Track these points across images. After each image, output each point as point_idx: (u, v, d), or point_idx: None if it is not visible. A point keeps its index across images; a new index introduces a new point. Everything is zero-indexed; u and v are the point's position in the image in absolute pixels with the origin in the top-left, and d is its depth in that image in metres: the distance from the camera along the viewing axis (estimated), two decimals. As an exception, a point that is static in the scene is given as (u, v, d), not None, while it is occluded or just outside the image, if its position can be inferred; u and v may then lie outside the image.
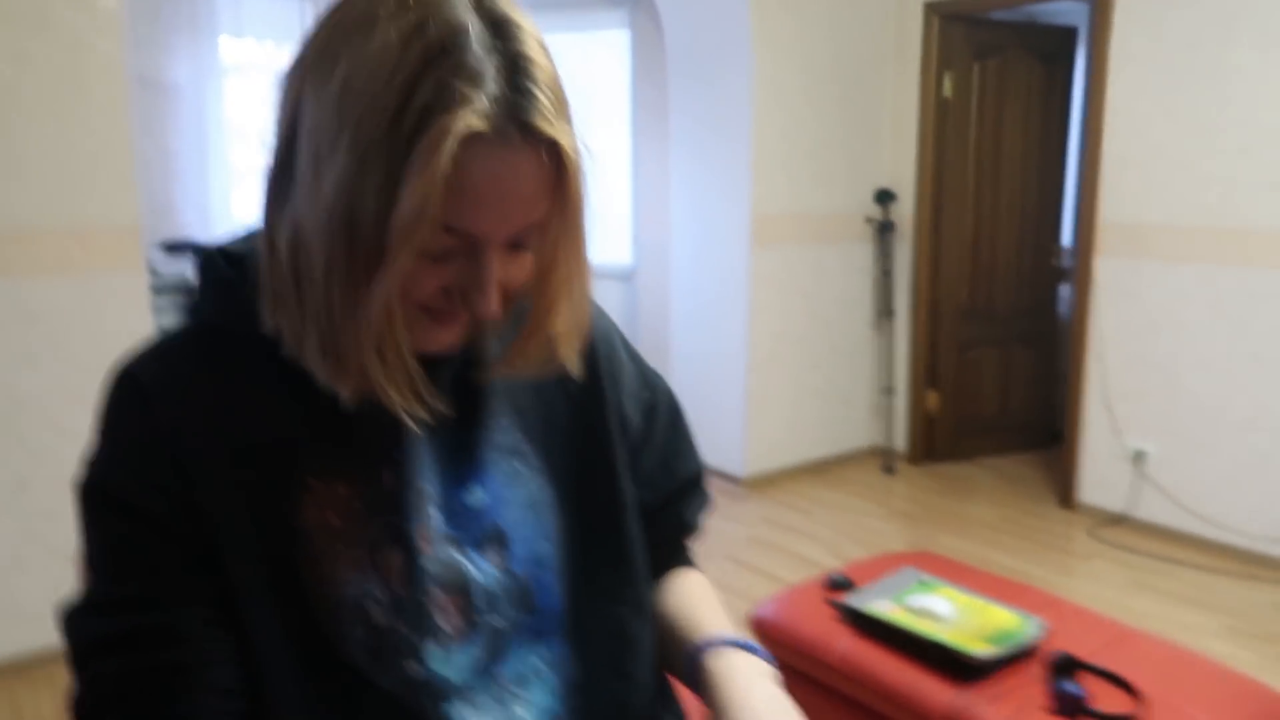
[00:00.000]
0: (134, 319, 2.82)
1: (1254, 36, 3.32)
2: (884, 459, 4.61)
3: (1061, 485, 4.07)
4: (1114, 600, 3.13)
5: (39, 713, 2.49)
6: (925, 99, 4.40)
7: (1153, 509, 3.73)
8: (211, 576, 0.68)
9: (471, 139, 0.59)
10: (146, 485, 0.68)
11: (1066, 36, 4.63)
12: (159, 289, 3.38)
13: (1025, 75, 4.50)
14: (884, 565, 2.29)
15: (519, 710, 0.74)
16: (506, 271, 0.66)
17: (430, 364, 0.69)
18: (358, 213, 0.59)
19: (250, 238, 0.74)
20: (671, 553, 0.93)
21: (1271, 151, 3.32)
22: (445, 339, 0.69)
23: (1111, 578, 3.34)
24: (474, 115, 0.58)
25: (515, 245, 0.66)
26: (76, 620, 0.68)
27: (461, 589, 0.73)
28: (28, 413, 2.66)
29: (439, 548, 0.72)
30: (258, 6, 3.95)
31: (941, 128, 4.40)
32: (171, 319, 3.51)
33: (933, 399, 4.60)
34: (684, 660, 0.80)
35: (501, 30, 0.61)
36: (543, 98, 0.61)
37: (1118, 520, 3.81)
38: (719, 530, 3.65)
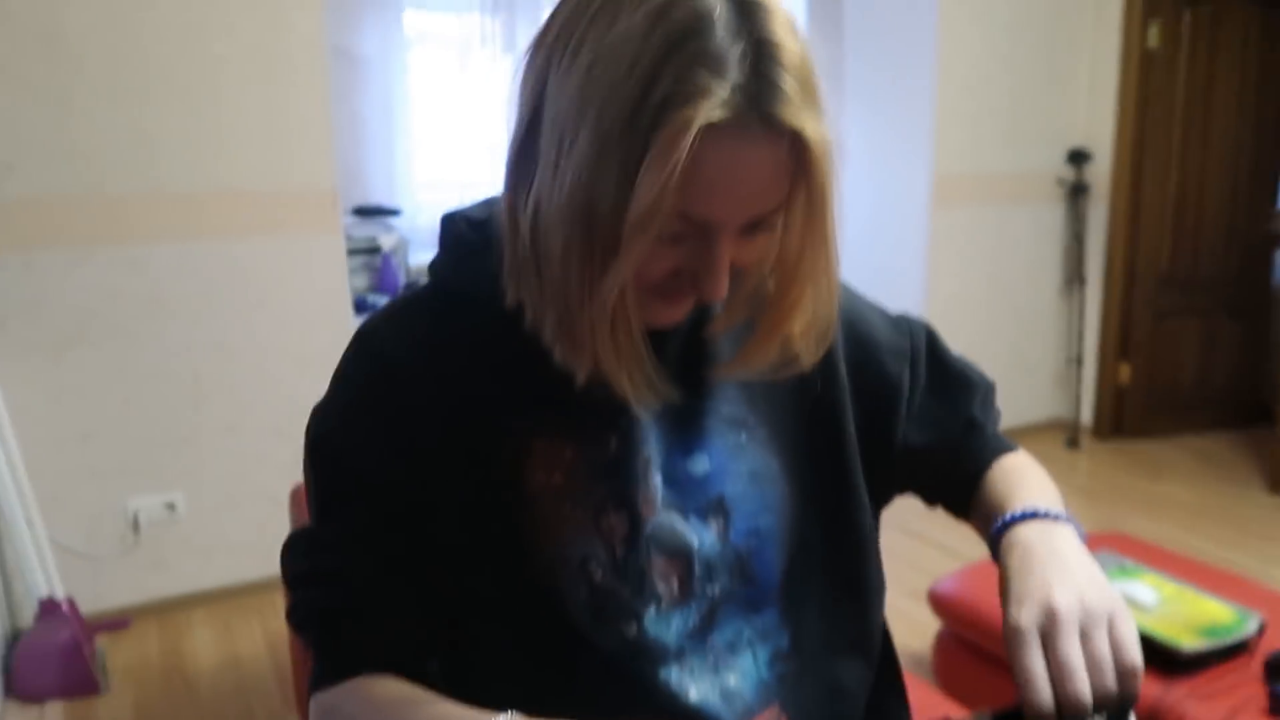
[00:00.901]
0: (332, 278, 3.00)
1: None
2: (1068, 432, 4.37)
3: (1272, 467, 3.75)
4: (1332, 596, 2.87)
5: (250, 636, 2.71)
6: (1128, 50, 4.08)
7: (1380, 499, 3.39)
8: (416, 534, 0.72)
9: (710, 129, 0.58)
10: (369, 444, 0.72)
11: (1295, -25, 4.19)
12: (351, 251, 3.56)
13: (1242, 22, 4.10)
14: (1077, 547, 2.18)
15: (730, 677, 0.74)
16: (739, 252, 0.66)
17: (657, 335, 0.69)
18: (596, 203, 0.59)
19: (489, 205, 0.76)
20: (979, 450, 0.89)
21: None
22: (673, 315, 0.70)
23: (1329, 571, 3.06)
24: (714, 107, 0.57)
25: (752, 227, 0.65)
26: (288, 550, 0.76)
27: (682, 555, 0.73)
28: (238, 364, 2.87)
29: (662, 514, 0.73)
30: (441, -23, 4.06)
31: (1145, 81, 4.07)
32: (362, 280, 3.71)
33: (1124, 371, 4.32)
34: (991, 549, 0.78)
35: (749, 12, 0.59)
36: (787, 86, 0.59)
37: (1337, 509, 3.48)
38: (909, 541, 3.55)
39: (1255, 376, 4.47)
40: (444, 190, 4.22)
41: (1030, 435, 4.43)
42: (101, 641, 2.67)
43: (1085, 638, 0.64)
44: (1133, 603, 1.81)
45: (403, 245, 3.83)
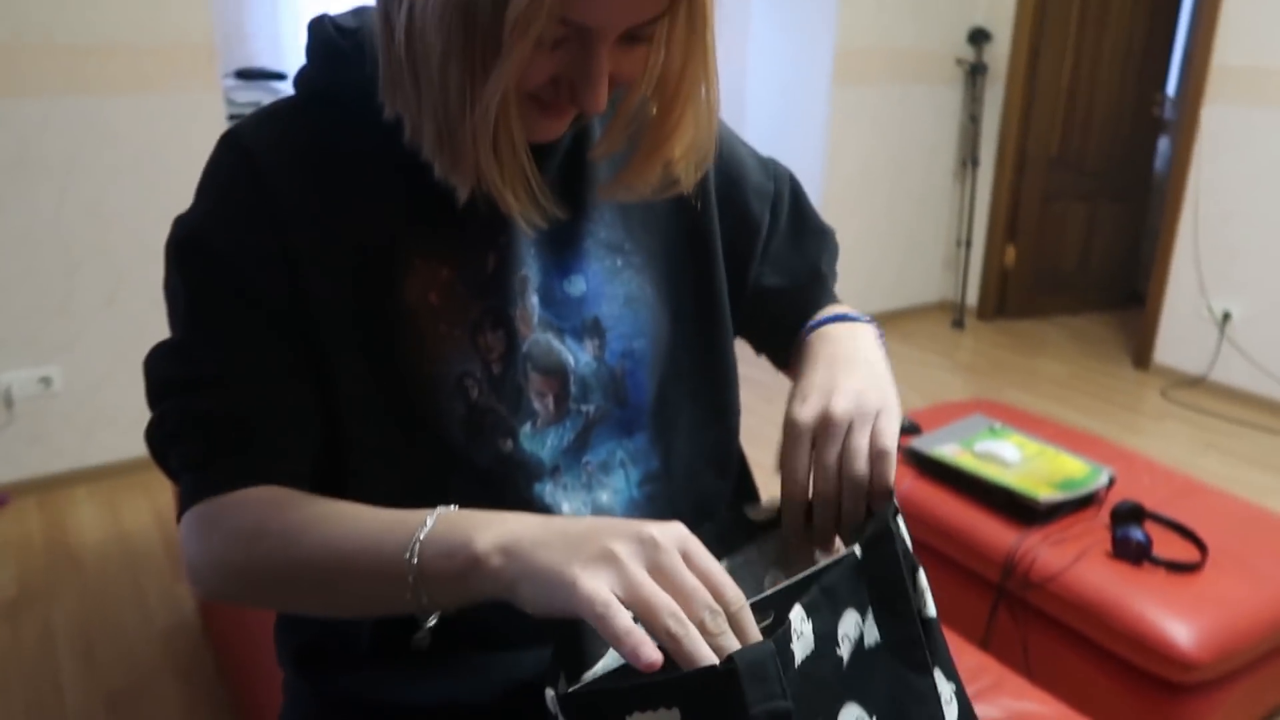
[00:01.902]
0: (212, 140, 2.84)
1: None
2: (954, 313, 4.53)
3: (1138, 345, 3.97)
4: (1182, 460, 3.10)
5: (137, 513, 2.67)
6: (1030, -72, 4.08)
7: (1231, 371, 3.64)
8: (293, 339, 0.69)
9: None
10: (242, 241, 0.68)
11: None
12: (232, 117, 3.38)
13: (1144, -98, 4.14)
14: (953, 412, 2.29)
15: (602, 495, 0.77)
16: (619, 63, 0.64)
17: (536, 154, 0.68)
18: (476, 3, 0.57)
19: (359, 13, 0.72)
20: (817, 303, 0.93)
21: None
22: (552, 130, 0.68)
23: (1181, 438, 3.30)
24: None
25: (631, 37, 0.63)
26: (153, 359, 0.71)
27: (558, 373, 0.74)
28: (115, 229, 2.73)
29: (538, 333, 0.73)
30: None
31: (1046, -39, 4.09)
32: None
33: (1010, 253, 4.47)
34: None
35: None
36: None
37: (1194, 382, 3.73)
38: (784, 378, 3.66)
39: (1131, 259, 4.68)
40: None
41: (919, 316, 4.58)
42: (-22, 518, 2.60)
43: (851, 432, 0.69)
44: (998, 460, 1.93)
45: (289, 111, 3.65)
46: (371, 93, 0.67)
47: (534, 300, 0.73)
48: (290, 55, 3.94)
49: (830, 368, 0.75)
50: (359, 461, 0.72)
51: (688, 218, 0.82)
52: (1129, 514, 1.77)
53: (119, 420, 2.83)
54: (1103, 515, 1.82)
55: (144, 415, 2.31)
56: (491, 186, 0.64)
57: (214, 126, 2.84)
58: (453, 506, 0.61)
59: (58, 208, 2.64)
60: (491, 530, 0.57)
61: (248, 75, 3.89)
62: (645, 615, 0.50)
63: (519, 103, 0.62)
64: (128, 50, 2.64)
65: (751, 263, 0.87)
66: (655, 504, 0.80)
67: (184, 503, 0.70)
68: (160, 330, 0.71)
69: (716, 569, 0.54)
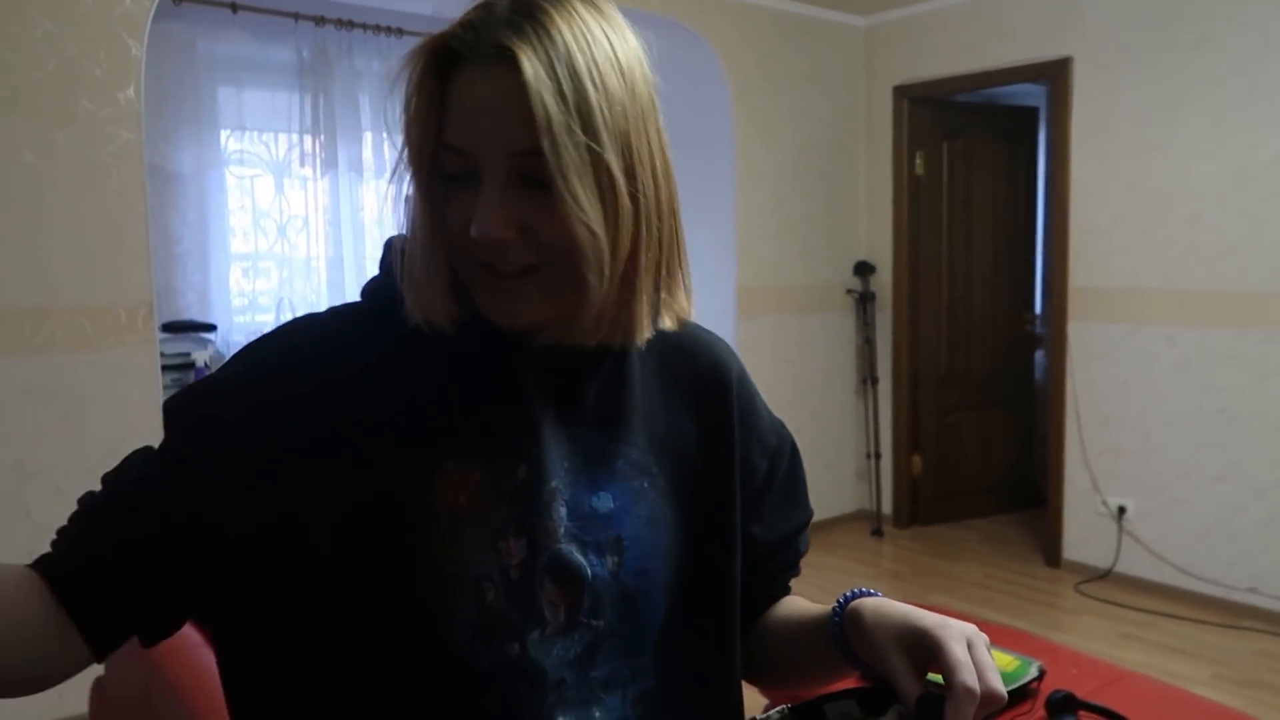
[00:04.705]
0: (146, 395, 2.90)
1: (1197, 114, 3.56)
2: (871, 522, 4.69)
3: (1046, 544, 4.17)
4: (1103, 652, 3.21)
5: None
6: (898, 176, 4.62)
7: (1135, 563, 3.84)
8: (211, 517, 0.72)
9: (449, 59, 0.68)
10: (241, 405, 0.73)
11: (1028, 116, 4.89)
12: (162, 368, 3.45)
13: (991, 153, 4.74)
14: (884, 617, 2.36)
15: (597, 712, 0.77)
16: (529, 213, 0.68)
17: (579, 376, 0.78)
18: (403, 154, 0.72)
19: None
20: (782, 585, 0.96)
21: (1219, 218, 3.53)
22: (509, 309, 0.72)
23: (1100, 631, 3.42)
24: (452, 39, 0.68)
25: (530, 182, 0.68)
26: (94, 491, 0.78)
27: (575, 585, 0.75)
28: (37, 487, 2.70)
29: (563, 544, 0.75)
30: (258, 100, 4.10)
31: (915, 203, 4.61)
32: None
33: (917, 463, 4.72)
34: (829, 625, 0.79)
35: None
36: (527, 24, 0.66)
37: (1103, 575, 3.90)
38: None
39: (1026, 462, 4.98)
40: (260, 310, 4.17)
41: (838, 527, 4.72)
42: None
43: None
44: (934, 660, 2.00)
45: (217, 360, 3.75)
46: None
47: (562, 512, 0.76)
48: (218, 309, 4.07)
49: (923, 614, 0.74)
50: (347, 663, 0.72)
51: (710, 445, 0.85)
52: (1063, 704, 1.84)
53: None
54: (1038, 708, 1.89)
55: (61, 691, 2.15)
56: (468, 291, 0.73)
57: (147, 380, 2.91)
58: None
59: (-17, 466, 2.62)
60: None
61: (176, 328, 4.00)
62: None
63: (467, 266, 0.72)
64: (66, 311, 2.73)
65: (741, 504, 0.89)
66: None
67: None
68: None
69: None
